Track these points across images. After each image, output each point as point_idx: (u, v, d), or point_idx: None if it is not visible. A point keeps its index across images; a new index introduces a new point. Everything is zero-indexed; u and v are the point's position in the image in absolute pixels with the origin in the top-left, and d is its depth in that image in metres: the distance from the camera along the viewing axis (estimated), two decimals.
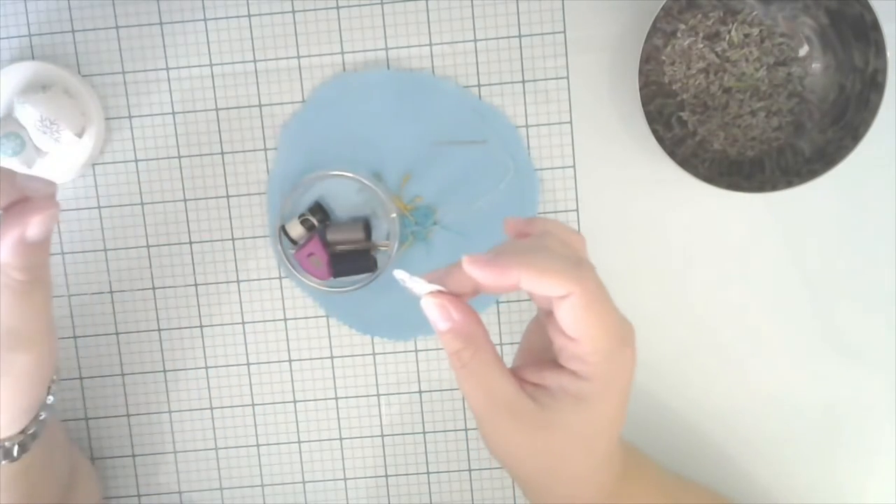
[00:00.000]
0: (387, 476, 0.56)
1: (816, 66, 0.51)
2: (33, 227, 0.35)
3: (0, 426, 0.41)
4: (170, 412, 0.55)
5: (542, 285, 0.35)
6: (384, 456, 0.55)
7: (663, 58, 0.51)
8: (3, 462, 0.42)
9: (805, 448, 0.54)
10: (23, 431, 0.42)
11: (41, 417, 0.43)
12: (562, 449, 0.38)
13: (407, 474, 0.55)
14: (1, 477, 0.43)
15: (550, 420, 0.37)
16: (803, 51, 0.51)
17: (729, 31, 0.51)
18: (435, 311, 0.37)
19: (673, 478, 0.51)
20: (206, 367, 0.55)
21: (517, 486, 0.45)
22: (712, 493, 0.53)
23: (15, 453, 0.42)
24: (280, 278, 0.54)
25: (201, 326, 0.55)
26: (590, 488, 0.41)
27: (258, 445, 0.56)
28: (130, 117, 0.54)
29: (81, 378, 0.55)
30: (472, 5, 0.53)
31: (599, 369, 0.36)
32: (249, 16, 0.53)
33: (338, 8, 0.53)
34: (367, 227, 0.53)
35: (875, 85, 0.47)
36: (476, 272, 0.35)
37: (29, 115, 0.49)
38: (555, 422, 0.37)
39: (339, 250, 0.52)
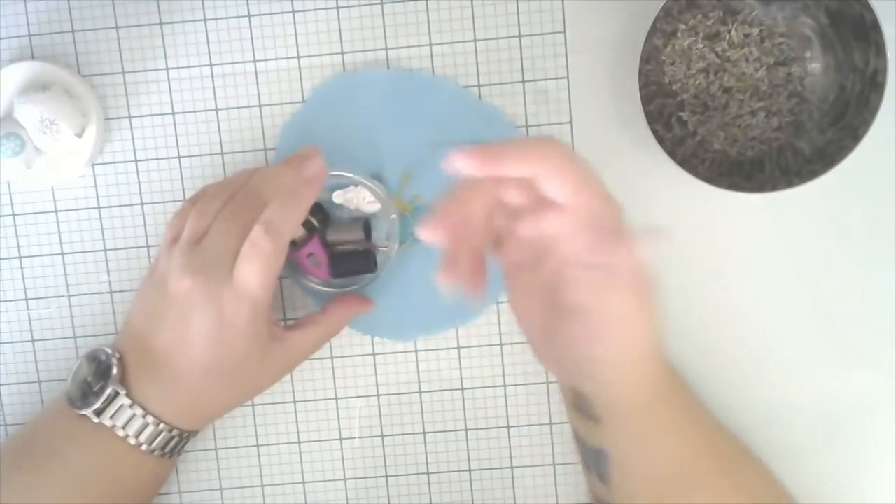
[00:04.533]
0: (387, 476, 0.55)
1: (816, 66, 0.51)
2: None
3: (199, 422, 0.50)
4: None
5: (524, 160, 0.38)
6: (384, 456, 0.55)
7: (663, 58, 0.51)
8: (157, 452, 0.48)
9: (805, 448, 0.54)
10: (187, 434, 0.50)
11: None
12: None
13: (407, 474, 0.55)
14: (145, 469, 0.49)
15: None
16: (803, 51, 0.51)
17: (729, 31, 0.51)
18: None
19: (717, 428, 0.51)
20: None
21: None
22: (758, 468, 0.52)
23: (178, 449, 0.50)
24: (280, 278, 0.54)
25: None
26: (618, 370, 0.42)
27: (258, 446, 0.56)
28: (130, 117, 0.54)
29: None
30: (472, 5, 0.53)
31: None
32: (249, 16, 0.53)
33: (338, 8, 0.53)
34: (367, 227, 0.53)
35: (875, 85, 0.47)
36: (465, 164, 0.37)
37: (29, 114, 0.49)
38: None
39: (339, 250, 0.52)
